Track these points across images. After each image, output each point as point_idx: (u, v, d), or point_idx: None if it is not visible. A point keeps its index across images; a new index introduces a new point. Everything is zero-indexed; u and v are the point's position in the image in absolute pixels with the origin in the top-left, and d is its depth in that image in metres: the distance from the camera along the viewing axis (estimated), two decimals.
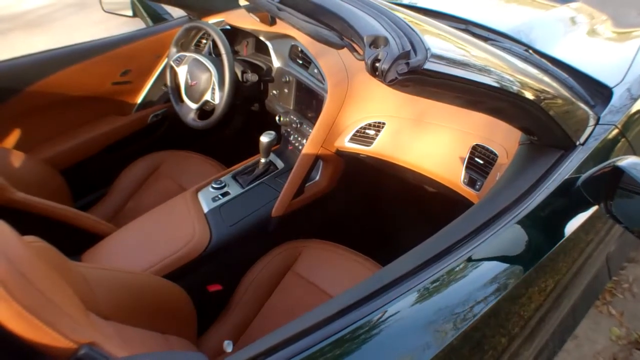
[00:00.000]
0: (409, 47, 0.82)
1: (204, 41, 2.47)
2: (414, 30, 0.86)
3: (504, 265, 1.09)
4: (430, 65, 0.82)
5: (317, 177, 2.10)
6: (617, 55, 1.94)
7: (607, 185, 1.16)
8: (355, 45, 0.93)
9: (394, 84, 0.82)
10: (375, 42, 0.84)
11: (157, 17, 2.80)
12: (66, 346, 0.79)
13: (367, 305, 0.93)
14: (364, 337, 0.89)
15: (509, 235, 1.12)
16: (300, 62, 2.17)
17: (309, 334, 0.88)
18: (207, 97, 2.21)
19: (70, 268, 1.04)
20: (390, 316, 0.92)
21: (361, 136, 1.88)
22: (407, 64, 0.79)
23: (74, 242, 1.62)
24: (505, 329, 1.05)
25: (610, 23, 2.35)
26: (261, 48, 2.44)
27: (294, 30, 1.20)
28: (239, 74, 2.26)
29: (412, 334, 0.93)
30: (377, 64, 0.81)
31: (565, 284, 1.23)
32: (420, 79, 0.83)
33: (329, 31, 0.97)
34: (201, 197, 1.95)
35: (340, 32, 0.95)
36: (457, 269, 1.03)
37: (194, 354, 0.89)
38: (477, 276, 1.04)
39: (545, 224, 1.21)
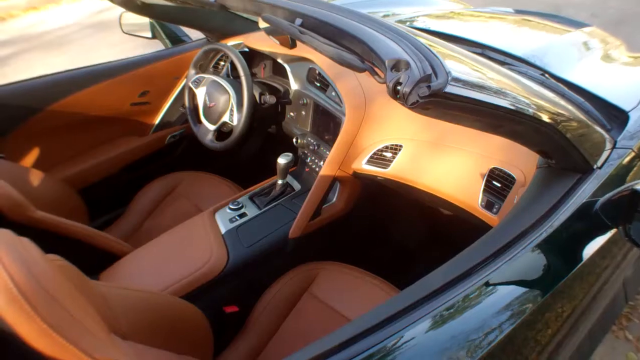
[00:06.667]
0: (430, 71, 0.83)
1: (222, 63, 2.50)
2: (434, 54, 0.87)
3: (522, 290, 1.08)
4: (451, 89, 0.83)
5: (334, 199, 2.09)
6: (632, 79, 1.94)
7: (625, 209, 1.16)
8: (376, 69, 0.94)
9: (415, 106, 0.82)
10: (396, 66, 0.85)
11: (175, 39, 2.84)
12: None
13: (382, 330, 0.93)
14: None
15: (527, 260, 1.12)
16: (318, 84, 2.19)
17: (325, 358, 0.88)
18: (225, 118, 2.23)
19: (91, 287, 1.05)
20: (406, 342, 0.92)
21: (378, 158, 1.88)
22: (429, 87, 0.80)
23: (91, 261, 1.63)
24: (521, 355, 1.04)
25: (624, 47, 2.36)
26: (279, 71, 2.46)
27: (313, 53, 1.21)
28: (257, 96, 2.28)
29: None
30: (399, 87, 0.82)
31: (582, 309, 1.23)
32: (441, 102, 0.84)
33: (351, 54, 0.98)
34: (218, 218, 1.95)
35: (361, 55, 0.97)
36: (474, 294, 1.02)
37: None
38: (493, 302, 1.03)
39: (563, 248, 1.21)
